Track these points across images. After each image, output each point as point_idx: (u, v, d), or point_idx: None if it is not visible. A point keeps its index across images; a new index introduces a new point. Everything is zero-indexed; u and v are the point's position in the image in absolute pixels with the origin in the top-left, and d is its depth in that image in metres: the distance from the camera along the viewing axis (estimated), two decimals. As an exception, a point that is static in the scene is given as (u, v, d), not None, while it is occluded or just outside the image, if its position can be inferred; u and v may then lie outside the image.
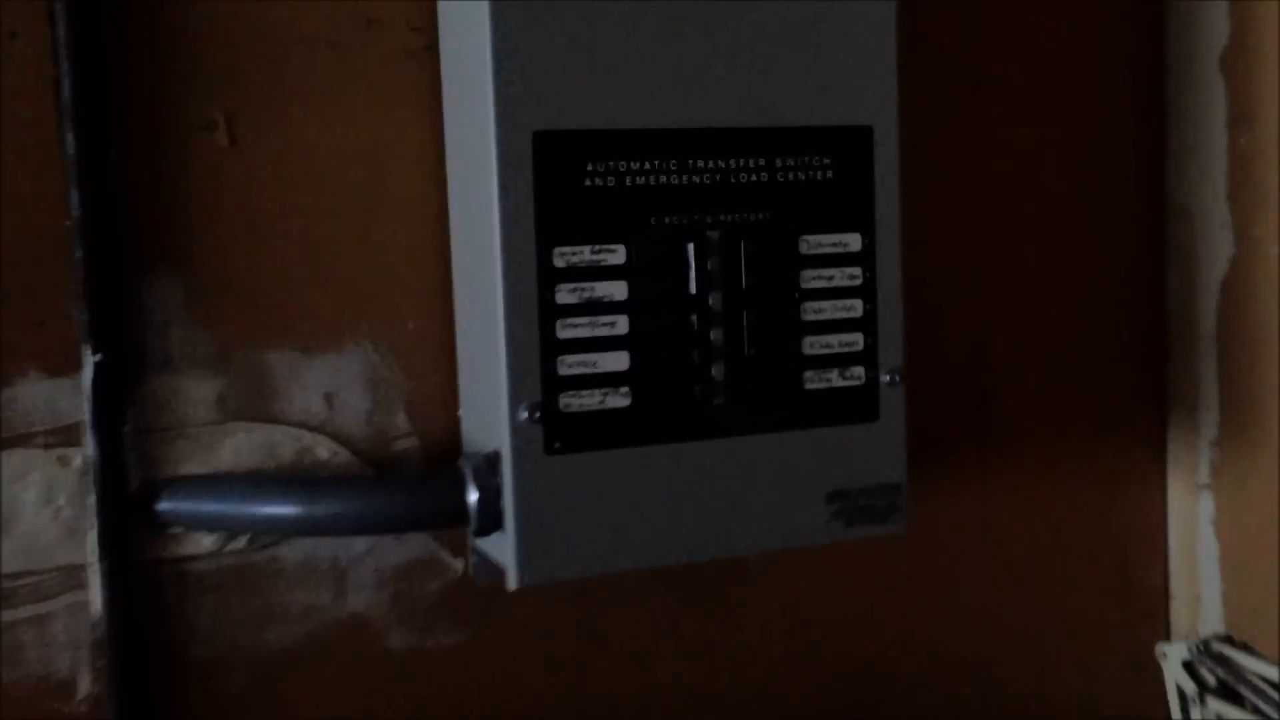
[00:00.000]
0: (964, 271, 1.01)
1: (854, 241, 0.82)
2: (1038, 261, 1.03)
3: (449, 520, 0.79)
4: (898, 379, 0.84)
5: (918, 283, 0.86)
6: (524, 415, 0.76)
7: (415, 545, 0.88)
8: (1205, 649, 1.02)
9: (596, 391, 0.77)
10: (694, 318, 0.79)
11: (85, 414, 0.79)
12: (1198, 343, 1.05)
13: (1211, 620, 1.07)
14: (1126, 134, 1.06)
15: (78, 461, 0.80)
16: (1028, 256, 1.03)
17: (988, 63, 1.01)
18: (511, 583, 0.77)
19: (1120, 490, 1.08)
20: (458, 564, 0.89)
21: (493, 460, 0.78)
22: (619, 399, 0.78)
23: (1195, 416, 1.06)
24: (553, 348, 0.76)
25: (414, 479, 0.82)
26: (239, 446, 0.83)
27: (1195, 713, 1.02)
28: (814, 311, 0.82)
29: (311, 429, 0.85)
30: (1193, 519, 1.08)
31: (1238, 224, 1.02)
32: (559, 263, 0.76)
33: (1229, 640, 1.02)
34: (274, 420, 0.84)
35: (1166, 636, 1.10)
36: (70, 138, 0.76)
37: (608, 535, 0.78)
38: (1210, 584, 1.07)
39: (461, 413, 0.87)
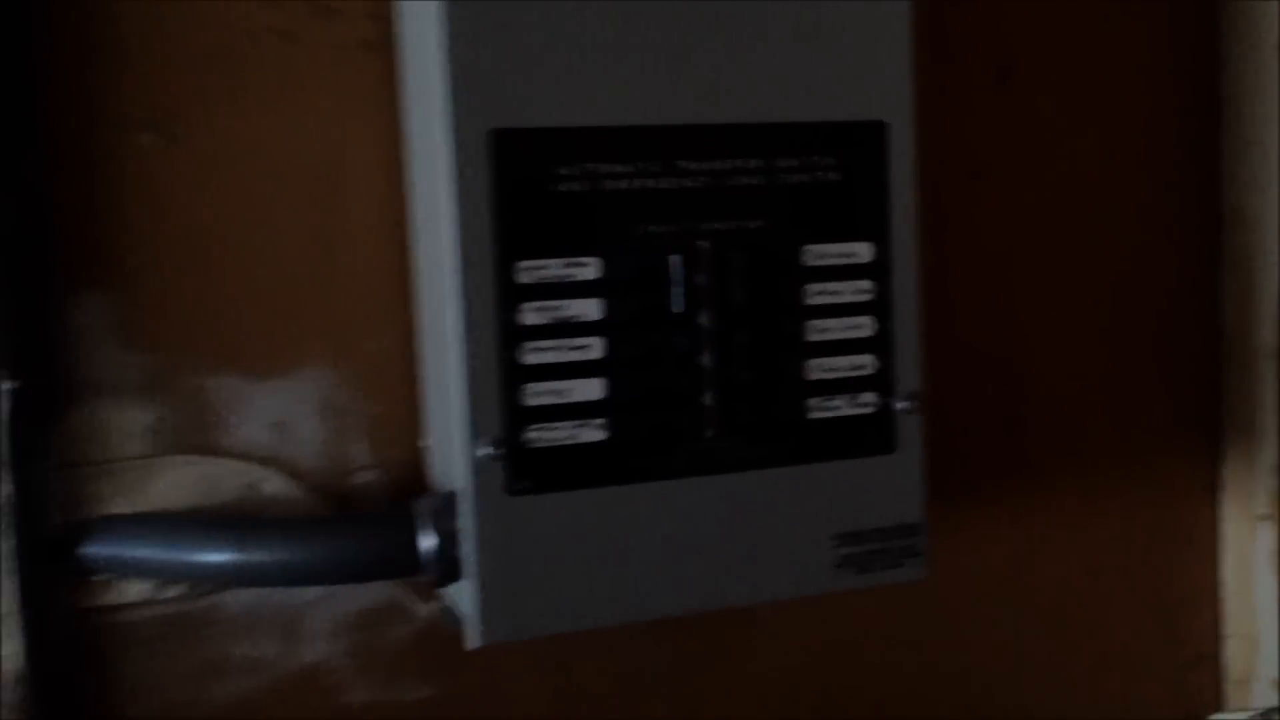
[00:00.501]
0: (990, 283, 0.91)
1: (864, 252, 0.73)
2: (1074, 271, 0.93)
3: (402, 570, 0.70)
4: (915, 406, 0.74)
5: (937, 297, 0.77)
6: (484, 451, 0.67)
7: (377, 590, 0.79)
8: (1266, 723, 0.91)
9: (568, 424, 0.68)
10: (680, 339, 0.70)
11: (0, 448, 0.70)
12: (1256, 360, 0.95)
13: (1269, 665, 0.96)
14: (1176, 130, 0.95)
15: (-9, 501, 0.71)
16: (1063, 266, 0.93)
17: (1018, 51, 0.90)
18: (471, 641, 0.68)
19: (1167, 523, 0.97)
20: (425, 610, 0.80)
21: (451, 501, 0.69)
22: (594, 432, 0.69)
23: (1253, 441, 0.96)
24: (517, 374, 0.67)
25: (362, 522, 0.73)
26: (175, 482, 0.75)
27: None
28: (819, 331, 0.72)
29: (258, 462, 0.76)
30: (1249, 553, 0.97)
31: (1301, 228, 0.91)
32: (524, 278, 0.67)
33: (1296, 713, 0.92)
34: (215, 453, 0.75)
35: (1219, 682, 1.00)
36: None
37: (582, 587, 0.69)
38: (1269, 624, 0.96)
39: (429, 442, 0.78)
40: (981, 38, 0.89)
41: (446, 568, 0.68)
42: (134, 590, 0.74)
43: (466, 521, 0.67)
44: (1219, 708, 1.00)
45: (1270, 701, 0.96)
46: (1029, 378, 0.92)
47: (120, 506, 0.73)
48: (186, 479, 0.75)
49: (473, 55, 0.65)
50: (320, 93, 0.76)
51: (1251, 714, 0.92)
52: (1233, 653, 0.99)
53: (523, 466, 0.67)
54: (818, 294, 0.72)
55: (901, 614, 0.91)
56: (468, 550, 0.67)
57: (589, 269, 0.68)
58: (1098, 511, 0.95)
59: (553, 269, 0.67)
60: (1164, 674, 0.98)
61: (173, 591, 0.75)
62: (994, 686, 0.94)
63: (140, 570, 0.72)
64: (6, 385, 0.70)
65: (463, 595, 0.69)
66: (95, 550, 0.72)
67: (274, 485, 0.76)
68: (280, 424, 0.77)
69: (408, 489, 0.78)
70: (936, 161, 0.81)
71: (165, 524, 0.72)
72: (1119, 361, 0.95)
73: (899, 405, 0.74)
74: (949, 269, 0.89)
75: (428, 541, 0.68)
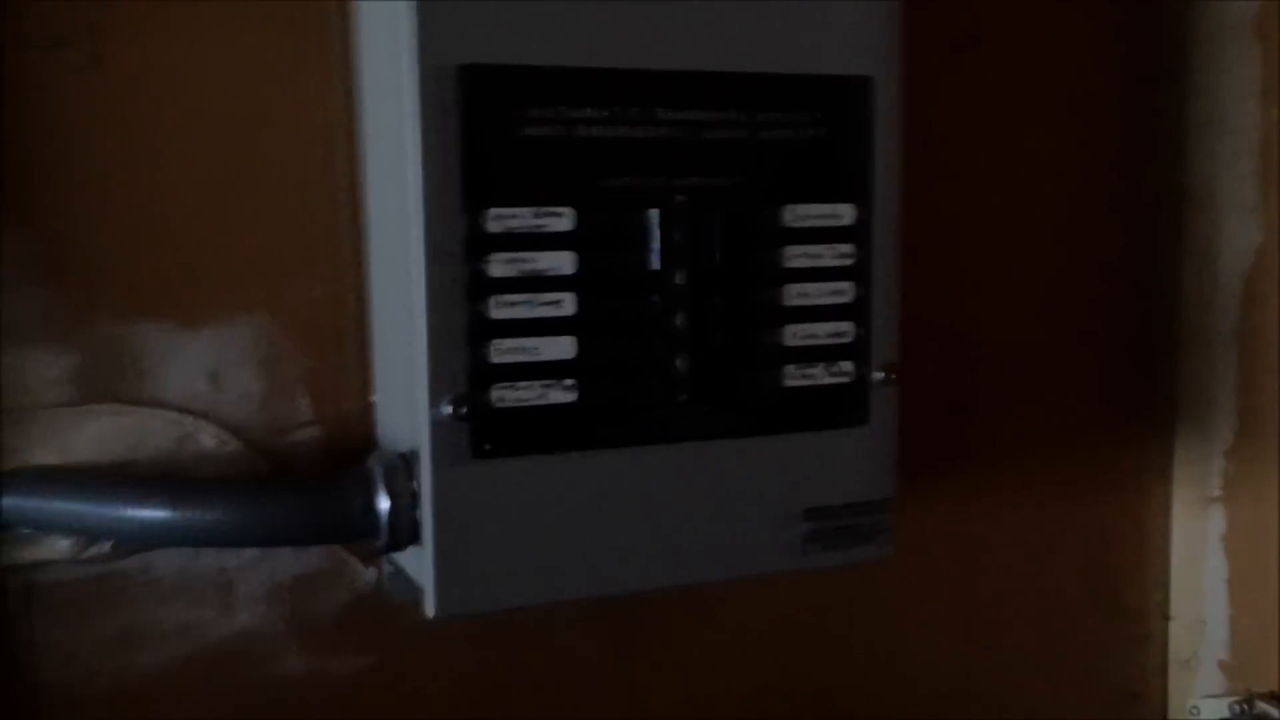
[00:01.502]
0: (946, 255, 0.88)
1: (846, 214, 0.69)
2: (1028, 248, 0.91)
3: (353, 533, 0.66)
4: (891, 376, 0.71)
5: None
6: (447, 410, 0.62)
7: (318, 552, 0.75)
8: (1248, 707, 0.90)
9: (536, 383, 0.64)
10: (655, 299, 0.66)
11: (-93, 391, 0.65)
12: (1214, 342, 0.94)
13: (1215, 647, 0.96)
14: (1142, 104, 0.93)
15: (-102, 449, 0.65)
16: (1017, 242, 0.90)
17: (985, 20, 0.87)
18: (429, 611, 0.64)
19: (1117, 505, 0.96)
20: (369, 574, 0.76)
21: (408, 461, 0.65)
22: (563, 393, 0.65)
23: (1208, 423, 0.95)
24: (483, 329, 0.63)
25: (312, 481, 0.68)
26: (102, 432, 0.69)
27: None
28: (797, 295, 0.69)
29: (194, 414, 0.71)
30: (1200, 535, 0.97)
31: (1266, 208, 0.90)
32: (493, 227, 0.62)
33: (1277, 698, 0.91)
34: (146, 402, 0.70)
35: (1163, 663, 0.99)
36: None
37: (547, 557, 0.65)
38: (1216, 606, 0.96)
39: (376, 398, 0.73)
40: (950, 4, 0.86)
41: (402, 533, 0.64)
42: (58, 547, 0.69)
43: (425, 485, 0.63)
44: (1163, 689, 0.99)
45: (1216, 683, 0.96)
46: (979, 355, 0.90)
47: (41, 457, 0.68)
48: (113, 429, 0.69)
49: (443, -18, 0.60)
50: (260, 14, 0.70)
51: (1235, 700, 0.91)
52: (1177, 634, 0.99)
53: (487, 427, 0.63)
54: (797, 256, 0.69)
55: (850, 593, 0.89)
56: (425, 515, 0.63)
57: (561, 220, 0.64)
58: (1048, 494, 0.94)
59: (523, 219, 0.63)
60: (1110, 655, 0.98)
61: (99, 549, 0.70)
62: (941, 665, 0.92)
63: (63, 526, 0.67)
64: (-83, 323, 0.64)
65: (417, 563, 0.65)
66: (15, 503, 0.66)
67: (208, 439, 0.71)
68: (214, 375, 0.72)
69: (352, 448, 0.73)
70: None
71: (91, 477, 0.67)
72: (1076, 338, 0.93)
73: (876, 375, 0.71)
74: (905, 237, 0.86)
75: (383, 504, 0.64)
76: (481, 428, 0.63)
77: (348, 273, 0.73)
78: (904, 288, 0.84)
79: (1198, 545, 0.97)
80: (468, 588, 0.63)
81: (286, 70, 0.71)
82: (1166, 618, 0.99)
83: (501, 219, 0.62)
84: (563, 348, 0.64)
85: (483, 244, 0.62)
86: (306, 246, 0.73)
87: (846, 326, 0.70)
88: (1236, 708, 0.90)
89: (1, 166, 0.66)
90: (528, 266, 0.63)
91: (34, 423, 0.68)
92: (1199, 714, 0.94)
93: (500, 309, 0.63)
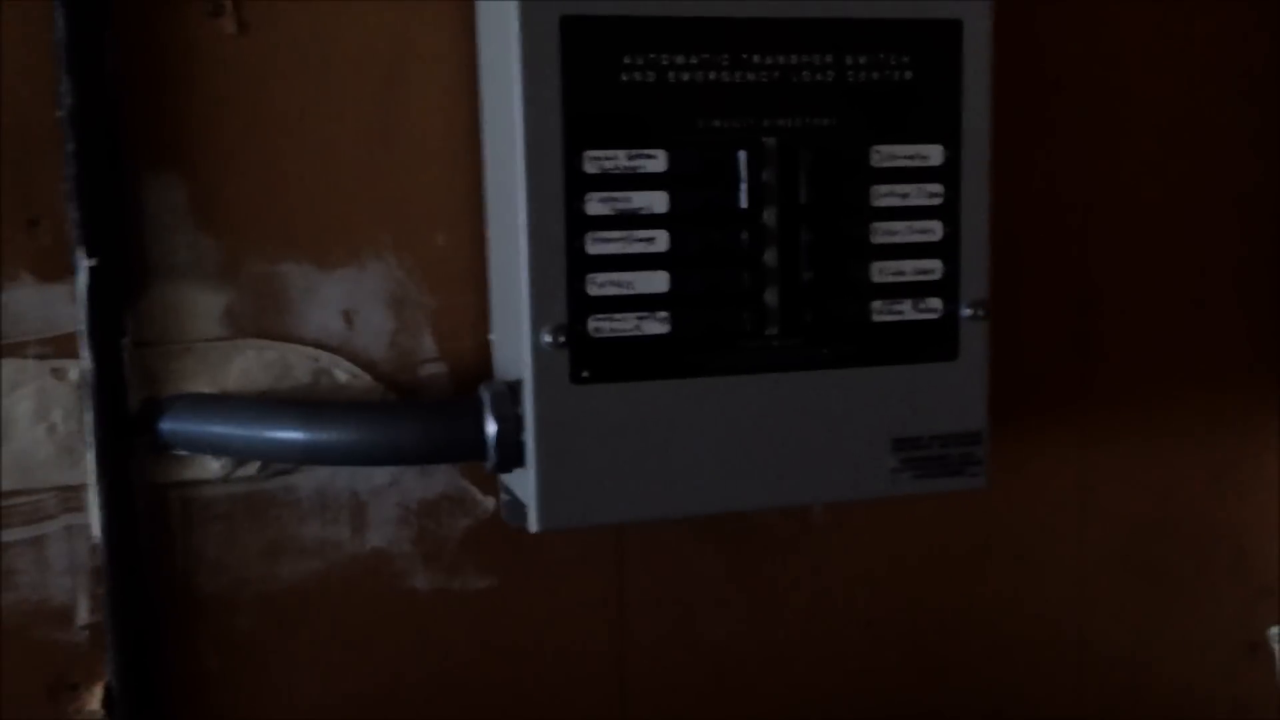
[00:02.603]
0: (1068, 200, 0.89)
1: (935, 154, 0.72)
2: (1159, 186, 0.91)
3: (465, 453, 0.71)
4: (981, 313, 0.73)
5: (1015, 204, 0.75)
6: (548, 339, 0.68)
7: (442, 480, 0.81)
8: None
9: (631, 315, 0.69)
10: (744, 236, 0.70)
11: (81, 323, 0.73)
12: (1340, 286, 0.92)
13: (1339, 600, 0.95)
14: (1269, 46, 0.92)
15: (73, 375, 0.74)
16: (1146, 188, 0.91)
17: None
18: (532, 525, 0.69)
19: (1240, 458, 0.96)
20: (488, 502, 0.82)
21: (515, 389, 0.70)
22: (657, 324, 0.69)
23: (1334, 371, 0.94)
24: (582, 264, 0.68)
25: (428, 406, 0.74)
26: (249, 365, 0.76)
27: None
28: (885, 233, 0.72)
29: (329, 350, 0.78)
30: (1324, 486, 0.95)
31: (1395, 150, 0.88)
32: (590, 168, 0.67)
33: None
34: (287, 338, 0.77)
35: (1286, 616, 0.98)
36: (61, 20, 0.70)
37: (641, 478, 0.70)
38: (1341, 559, 0.95)
39: (493, 336, 0.79)
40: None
41: (508, 454, 0.70)
42: (210, 467, 0.77)
43: (529, 409, 0.68)
44: (1283, 639, 0.98)
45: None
46: (1105, 294, 0.91)
47: (196, 386, 0.76)
48: (260, 362, 0.77)
49: (543, -60, 0.65)
50: (393, -17, 0.77)
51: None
52: (1301, 586, 0.98)
53: (585, 355, 0.68)
54: (885, 195, 0.71)
55: (959, 530, 0.91)
56: (529, 436, 0.68)
57: (655, 161, 0.68)
58: (1168, 442, 0.94)
59: (619, 160, 0.67)
60: (1229, 606, 0.97)
61: (247, 470, 0.77)
62: (1052, 607, 0.93)
63: (216, 447, 0.75)
64: (87, 263, 0.72)
65: (524, 482, 0.70)
66: (173, 426, 0.74)
67: (344, 373, 0.78)
68: (349, 314, 0.78)
69: (473, 382, 0.79)
70: (1018, 68, 0.80)
71: (241, 403, 0.74)
72: (1202, 282, 0.93)
73: (965, 312, 0.73)
74: (1026, 177, 0.87)
75: (490, 427, 0.70)
76: (580, 356, 0.68)
77: (468, 219, 0.79)
78: (1033, 226, 0.85)
79: (1322, 496, 0.95)
80: (567, 504, 0.69)
81: (414, 32, 0.77)
82: (1289, 570, 0.98)
83: (598, 160, 0.67)
84: (656, 282, 0.69)
85: (581, 184, 0.67)
86: (432, 195, 0.79)
87: (934, 264, 0.72)
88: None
89: (164, 124, 0.74)
90: (623, 205, 0.68)
91: (189, 355, 0.76)
92: (1276, 638, 0.93)
93: (597, 245, 0.68)
